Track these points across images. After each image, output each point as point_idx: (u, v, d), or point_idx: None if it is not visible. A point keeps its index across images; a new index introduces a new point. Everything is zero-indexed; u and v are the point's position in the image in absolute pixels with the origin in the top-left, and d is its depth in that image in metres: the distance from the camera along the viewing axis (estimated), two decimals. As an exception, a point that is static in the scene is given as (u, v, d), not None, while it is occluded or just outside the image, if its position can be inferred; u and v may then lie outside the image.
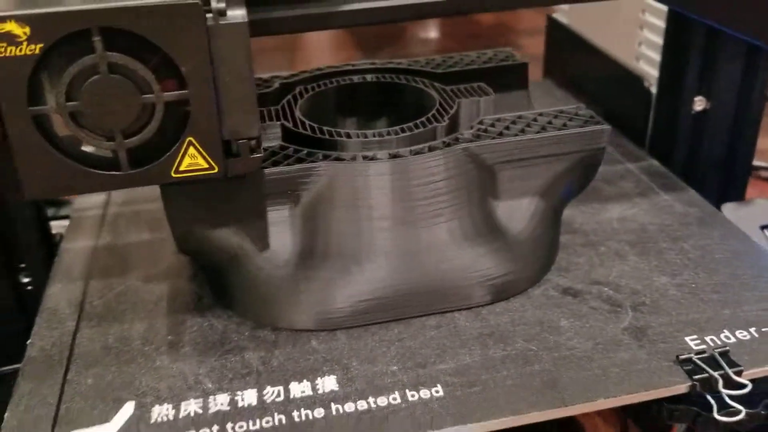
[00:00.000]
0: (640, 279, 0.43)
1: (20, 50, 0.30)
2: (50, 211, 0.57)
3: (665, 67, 0.56)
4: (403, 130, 0.41)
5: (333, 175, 0.39)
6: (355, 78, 0.48)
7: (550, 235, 0.43)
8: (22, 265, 0.48)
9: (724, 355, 0.36)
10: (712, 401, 0.36)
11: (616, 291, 0.42)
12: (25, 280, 0.48)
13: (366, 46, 1.36)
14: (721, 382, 0.35)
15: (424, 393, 0.35)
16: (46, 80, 0.31)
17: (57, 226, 0.51)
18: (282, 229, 0.39)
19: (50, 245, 0.49)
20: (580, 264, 0.44)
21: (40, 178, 0.32)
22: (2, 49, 0.29)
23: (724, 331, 0.38)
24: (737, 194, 0.58)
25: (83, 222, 0.50)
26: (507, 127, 0.42)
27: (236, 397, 0.35)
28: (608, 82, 0.64)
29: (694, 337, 0.38)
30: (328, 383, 0.36)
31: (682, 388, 0.35)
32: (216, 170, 0.34)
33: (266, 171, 0.38)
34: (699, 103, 0.55)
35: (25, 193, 0.33)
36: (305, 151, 0.40)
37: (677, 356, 0.36)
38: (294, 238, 0.40)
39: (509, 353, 0.37)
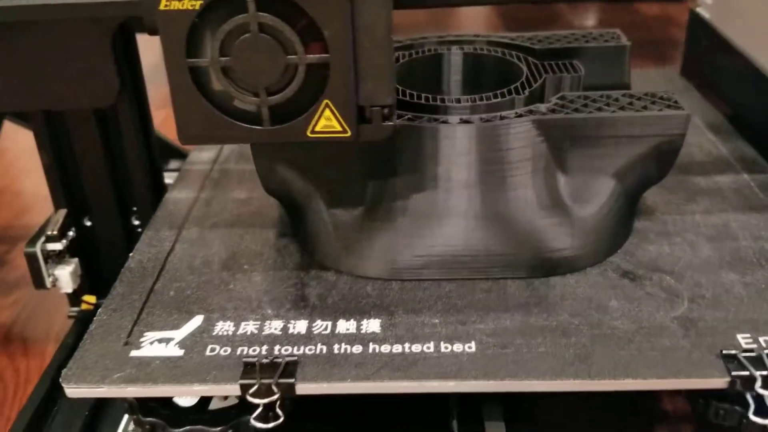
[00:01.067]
0: (707, 272, 0.42)
1: (183, 4, 0.33)
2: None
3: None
4: (481, 99, 0.42)
5: (406, 135, 0.41)
6: (451, 48, 0.50)
7: (619, 218, 0.43)
8: (134, 209, 0.53)
9: (772, 356, 0.35)
10: (751, 401, 0.35)
11: (678, 281, 0.41)
12: (136, 222, 0.54)
13: (517, 30, 1.35)
14: (759, 382, 0.34)
15: (458, 347, 0.37)
16: (203, 36, 0.34)
17: (169, 177, 0.57)
18: (356, 180, 0.42)
19: (161, 193, 0.54)
20: (648, 251, 0.44)
21: (193, 126, 0.36)
22: (168, 3, 0.33)
23: None
24: None
25: (190, 175, 0.55)
26: (585, 104, 0.42)
27: (288, 325, 0.39)
28: (744, 86, 0.61)
29: (747, 335, 0.37)
30: (372, 325, 0.39)
31: (719, 382, 0.35)
32: (348, 134, 0.36)
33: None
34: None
35: (179, 137, 0.37)
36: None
37: (721, 350, 0.36)
38: (367, 190, 0.42)
39: (549, 324, 0.38)
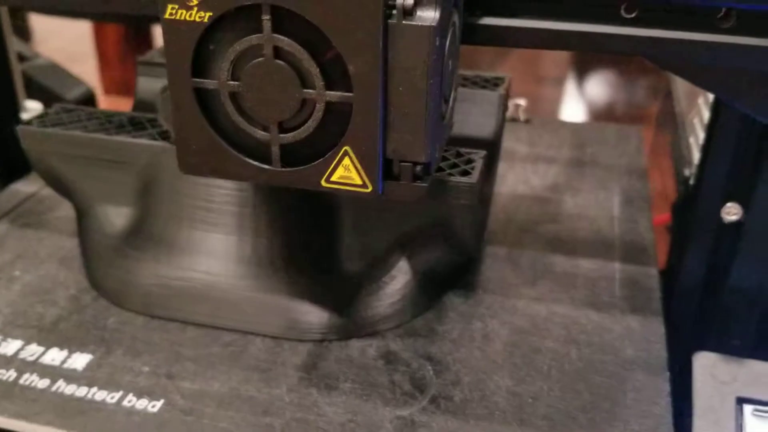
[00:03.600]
0: (480, 371, 0.35)
1: (190, 15, 0.29)
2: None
3: None
4: None
5: (165, 159, 0.38)
6: None
7: (403, 290, 0.38)
8: None
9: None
10: None
11: (437, 374, 0.35)
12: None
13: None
14: None
15: (142, 403, 0.33)
16: (213, 54, 0.29)
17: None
18: (119, 200, 0.39)
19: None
20: (433, 332, 0.38)
21: (194, 155, 0.31)
22: (174, 11, 0.28)
23: None
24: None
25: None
26: None
27: (4, 342, 0.37)
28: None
29: None
30: (80, 361, 0.36)
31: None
32: (369, 189, 0.30)
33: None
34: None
35: (179, 165, 0.32)
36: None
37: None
38: (133, 213, 0.39)
39: (258, 396, 0.34)
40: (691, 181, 0.43)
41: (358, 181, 0.29)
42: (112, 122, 0.40)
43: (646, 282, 0.42)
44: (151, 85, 0.44)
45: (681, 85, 0.55)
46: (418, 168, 0.29)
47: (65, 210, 0.47)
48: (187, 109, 0.30)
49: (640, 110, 1.18)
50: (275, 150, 0.30)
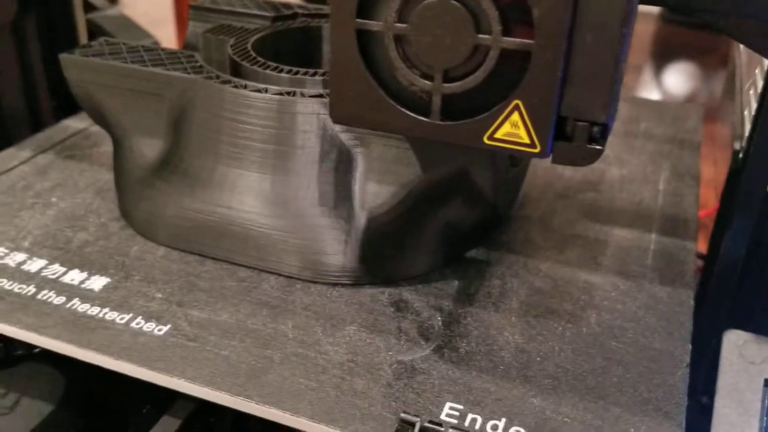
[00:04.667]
0: (491, 326, 0.34)
1: None
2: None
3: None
4: (314, 73, 0.38)
5: (195, 92, 0.38)
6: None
7: (416, 239, 0.37)
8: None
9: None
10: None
11: (446, 325, 0.34)
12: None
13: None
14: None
15: (149, 326, 0.34)
16: None
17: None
18: (151, 131, 0.40)
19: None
20: (449, 285, 0.37)
21: (348, 102, 0.30)
22: None
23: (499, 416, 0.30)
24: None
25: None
26: None
27: (29, 260, 0.38)
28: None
29: (458, 407, 0.30)
30: (97, 282, 0.36)
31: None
32: (537, 149, 0.28)
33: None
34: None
35: (330, 114, 0.31)
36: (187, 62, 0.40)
37: (402, 413, 0.29)
38: (164, 146, 0.40)
39: (264, 329, 0.34)
40: (740, 155, 0.41)
41: (526, 140, 0.28)
42: (151, 56, 0.41)
43: (680, 255, 0.40)
44: (199, 29, 0.45)
45: (744, 55, 0.52)
46: (596, 129, 0.27)
47: (109, 146, 0.48)
48: (346, 53, 0.29)
49: (716, 103, 1.13)
50: (437, 100, 0.28)
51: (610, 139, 0.44)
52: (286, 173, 0.37)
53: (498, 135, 0.28)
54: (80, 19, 0.60)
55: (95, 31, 0.62)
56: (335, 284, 0.37)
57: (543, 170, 0.48)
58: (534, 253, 0.40)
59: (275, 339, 0.33)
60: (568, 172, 0.48)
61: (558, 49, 0.26)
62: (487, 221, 0.41)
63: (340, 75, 0.29)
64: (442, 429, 0.28)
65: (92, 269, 0.37)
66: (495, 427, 0.29)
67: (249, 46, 0.41)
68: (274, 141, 0.37)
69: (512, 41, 0.26)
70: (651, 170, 0.49)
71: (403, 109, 0.29)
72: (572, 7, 0.25)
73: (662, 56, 1.37)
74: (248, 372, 0.31)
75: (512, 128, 0.28)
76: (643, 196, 0.46)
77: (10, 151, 0.48)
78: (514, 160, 0.41)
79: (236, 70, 0.39)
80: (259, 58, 0.39)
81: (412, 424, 0.29)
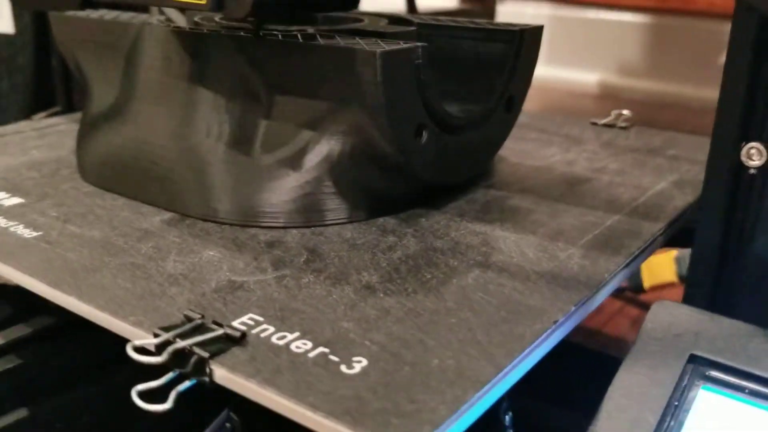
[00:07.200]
0: (349, 266, 0.31)
1: None
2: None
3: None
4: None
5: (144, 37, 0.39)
6: None
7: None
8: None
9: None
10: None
11: (306, 263, 0.31)
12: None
13: None
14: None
15: (23, 231, 0.34)
16: None
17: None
18: (109, 81, 0.42)
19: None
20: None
21: None
22: None
23: None
24: None
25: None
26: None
27: None
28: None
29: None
30: (14, 200, 0.38)
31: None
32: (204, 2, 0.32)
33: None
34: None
35: None
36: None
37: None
38: (115, 92, 0.41)
39: (116, 243, 0.33)
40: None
41: None
42: (128, 17, 0.43)
43: (625, 238, 0.34)
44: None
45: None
46: None
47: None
48: None
49: None
50: None
51: (627, 160, 0.40)
52: (194, 109, 0.36)
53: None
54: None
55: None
56: (222, 224, 0.35)
57: (524, 171, 0.44)
58: (459, 223, 0.36)
59: (125, 252, 0.32)
60: (559, 168, 0.44)
61: None
62: (409, 185, 0.37)
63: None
64: (221, 329, 0.25)
65: (17, 193, 0.39)
66: (282, 338, 0.25)
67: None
68: (187, 79, 0.37)
69: None
70: (650, 180, 0.42)
71: None
72: None
73: None
74: (78, 271, 0.30)
75: None
76: (628, 194, 0.40)
77: (29, 123, 0.52)
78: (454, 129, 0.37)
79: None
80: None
81: (192, 320, 0.26)
